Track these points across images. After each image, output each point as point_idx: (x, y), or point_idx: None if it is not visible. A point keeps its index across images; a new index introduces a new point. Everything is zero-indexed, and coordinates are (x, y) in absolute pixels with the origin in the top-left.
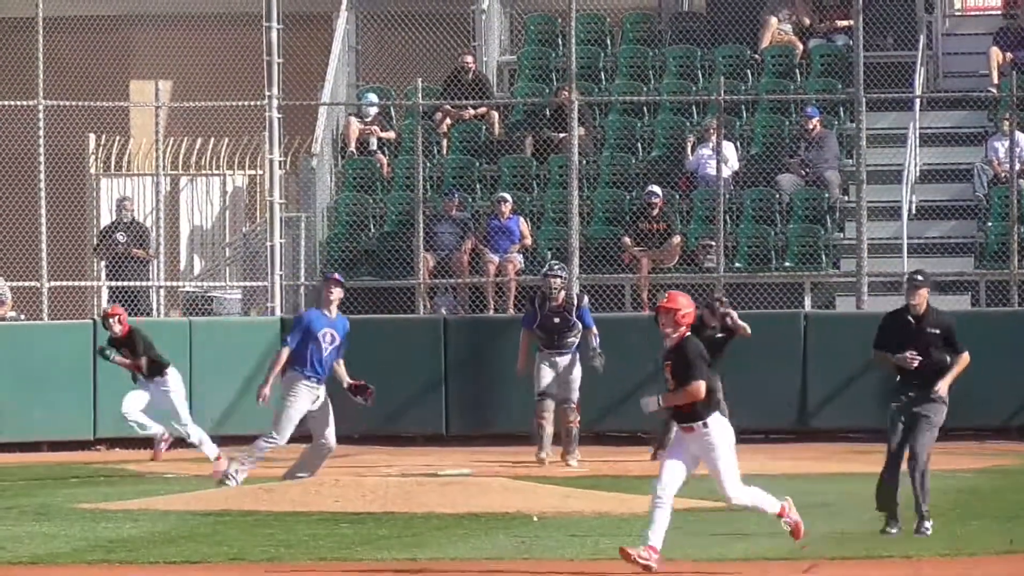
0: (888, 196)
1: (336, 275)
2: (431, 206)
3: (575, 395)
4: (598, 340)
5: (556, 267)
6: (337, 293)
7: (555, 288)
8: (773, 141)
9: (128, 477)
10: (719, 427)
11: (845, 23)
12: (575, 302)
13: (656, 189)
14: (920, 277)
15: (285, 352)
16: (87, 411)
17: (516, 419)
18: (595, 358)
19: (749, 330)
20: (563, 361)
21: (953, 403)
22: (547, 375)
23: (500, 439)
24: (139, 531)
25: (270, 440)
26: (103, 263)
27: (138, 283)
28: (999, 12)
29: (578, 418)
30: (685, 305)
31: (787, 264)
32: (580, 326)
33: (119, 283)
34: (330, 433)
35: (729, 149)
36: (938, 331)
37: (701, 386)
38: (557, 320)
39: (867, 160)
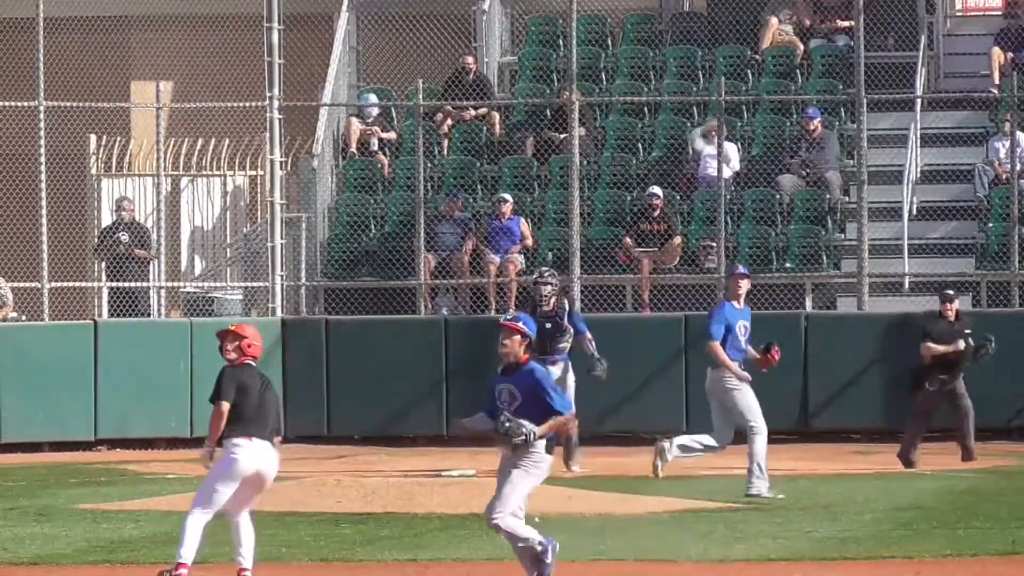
0: (889, 197)
1: (741, 268)
2: (432, 207)
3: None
4: (594, 345)
5: (546, 273)
6: (745, 285)
7: (545, 295)
8: (774, 142)
9: (129, 478)
10: (230, 451)
11: (846, 24)
12: (567, 307)
13: (657, 190)
14: None
15: (718, 346)
16: (88, 412)
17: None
18: (596, 366)
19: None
20: (555, 371)
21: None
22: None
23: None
24: (140, 532)
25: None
26: (103, 264)
27: (138, 284)
28: (1000, 12)
29: (576, 424)
30: (253, 336)
31: (788, 265)
32: (572, 332)
33: (119, 284)
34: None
35: (731, 150)
36: None
37: (222, 406)
38: (549, 325)
39: (868, 161)
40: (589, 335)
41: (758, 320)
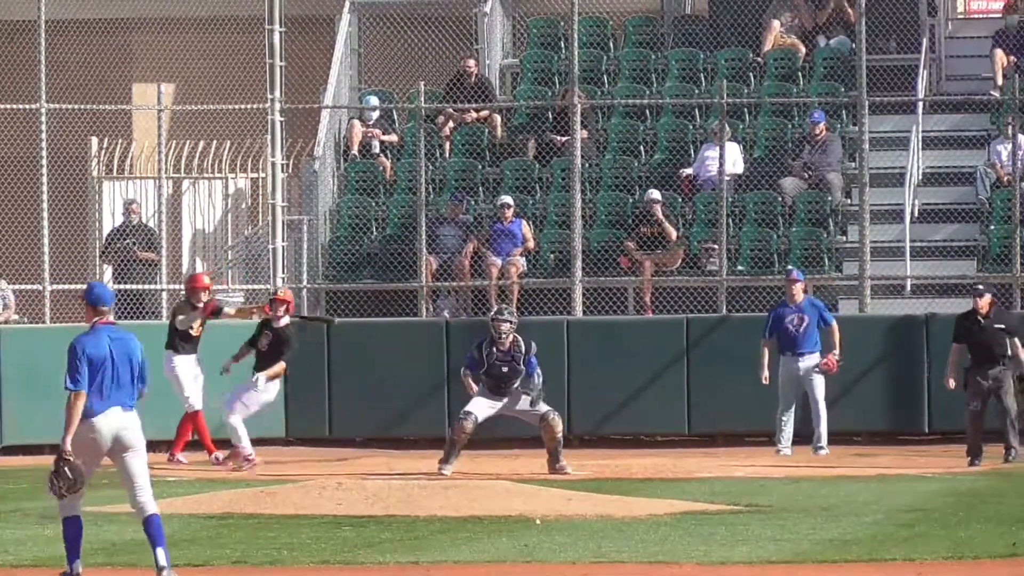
0: (891, 199)
1: None
2: (433, 209)
3: (545, 405)
4: (540, 380)
5: (505, 311)
6: None
7: (504, 333)
8: (776, 144)
9: None
10: None
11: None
12: (523, 349)
13: (657, 195)
14: None
15: None
16: None
17: (518, 423)
18: (533, 392)
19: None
20: (505, 398)
21: (956, 405)
22: (483, 405)
23: (502, 442)
24: (142, 534)
25: None
26: (109, 267)
27: (146, 286)
28: (1002, 15)
29: (561, 424)
30: None
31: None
32: (525, 373)
33: (126, 286)
34: None
35: (734, 150)
36: None
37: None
38: (505, 369)
39: (870, 163)
40: (537, 380)
41: (761, 322)
